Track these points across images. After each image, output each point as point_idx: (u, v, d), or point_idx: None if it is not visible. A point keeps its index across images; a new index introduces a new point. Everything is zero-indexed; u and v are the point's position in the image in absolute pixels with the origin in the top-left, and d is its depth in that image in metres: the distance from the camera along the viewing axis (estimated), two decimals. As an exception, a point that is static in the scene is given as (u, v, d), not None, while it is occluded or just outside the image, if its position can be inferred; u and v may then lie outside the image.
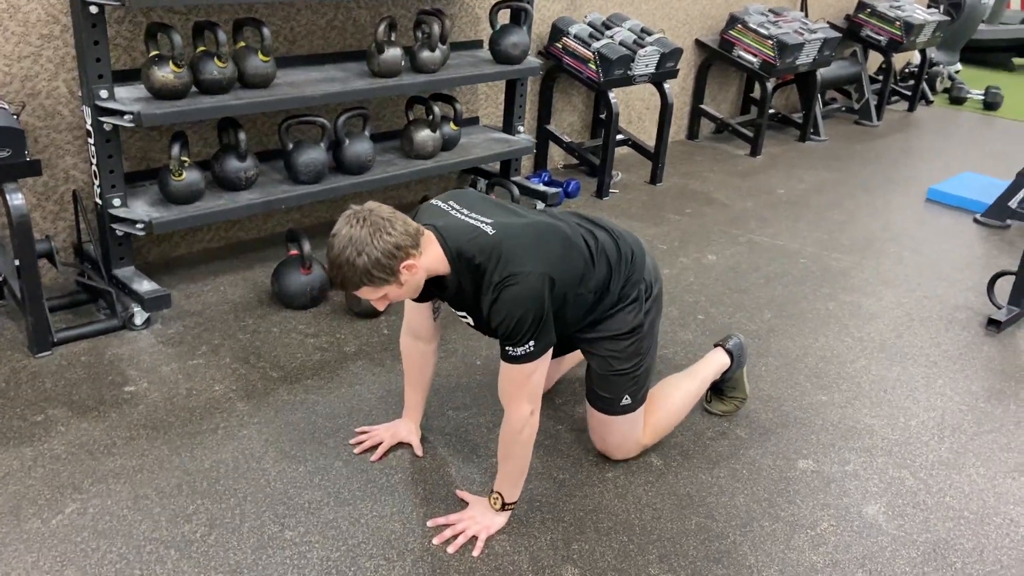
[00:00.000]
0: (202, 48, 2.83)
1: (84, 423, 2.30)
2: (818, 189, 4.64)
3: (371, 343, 2.79)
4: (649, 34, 4.31)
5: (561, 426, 2.41)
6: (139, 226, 2.73)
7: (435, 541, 1.95)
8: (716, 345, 2.47)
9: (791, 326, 3.08)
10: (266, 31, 2.86)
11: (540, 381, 1.91)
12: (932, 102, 6.97)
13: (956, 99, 7.03)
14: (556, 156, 4.66)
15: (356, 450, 2.23)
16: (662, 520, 2.07)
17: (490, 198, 2.06)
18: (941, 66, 7.28)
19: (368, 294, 1.83)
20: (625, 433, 2.20)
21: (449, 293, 1.94)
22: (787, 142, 5.52)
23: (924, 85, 6.82)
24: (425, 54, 3.34)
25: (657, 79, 4.32)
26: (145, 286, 2.77)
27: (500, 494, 1.99)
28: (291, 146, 3.09)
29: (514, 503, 2.01)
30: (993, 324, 3.15)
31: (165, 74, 2.67)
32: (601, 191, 4.26)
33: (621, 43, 4.14)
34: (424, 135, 3.43)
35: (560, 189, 4.05)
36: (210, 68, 2.78)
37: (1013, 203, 4.16)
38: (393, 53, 3.22)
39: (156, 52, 2.71)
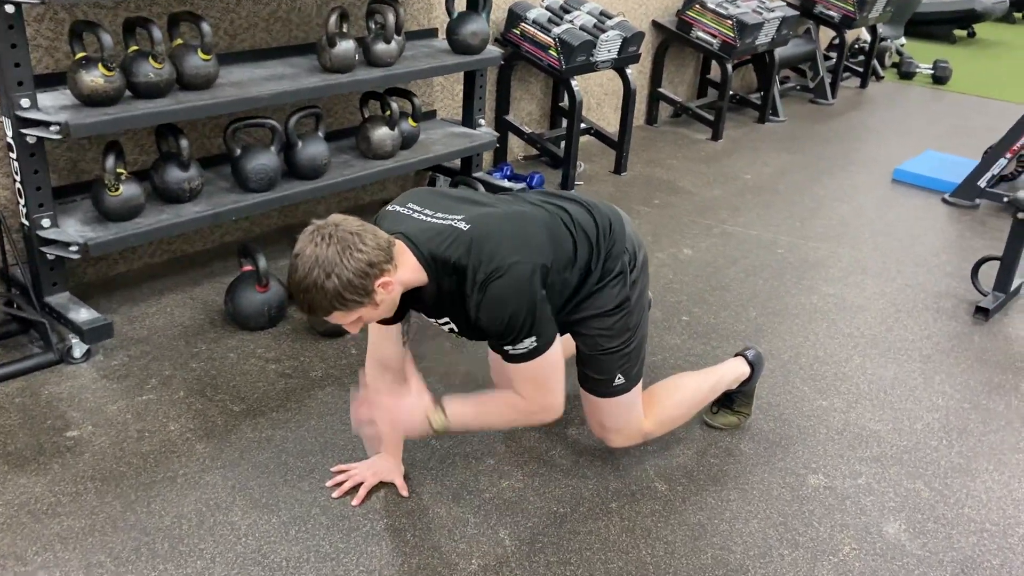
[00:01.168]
0: (134, 48, 2.54)
1: (22, 478, 2.04)
2: (783, 173, 4.54)
3: (339, 366, 2.57)
4: (609, 17, 4.12)
5: (555, 451, 2.23)
6: (73, 249, 2.45)
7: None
8: (737, 355, 2.32)
9: (778, 324, 2.95)
10: (205, 26, 2.59)
11: (560, 374, 1.76)
12: (883, 78, 6.95)
13: (906, 74, 7.03)
14: (515, 148, 4.45)
15: (335, 493, 2.01)
16: (676, 556, 1.91)
17: (448, 191, 1.90)
18: (889, 41, 7.26)
19: (340, 319, 1.63)
20: (623, 416, 2.03)
21: (428, 302, 1.75)
22: (746, 124, 5.41)
23: (875, 61, 6.79)
24: (380, 46, 3.10)
25: (619, 64, 4.14)
26: (83, 315, 2.50)
27: (443, 409, 1.77)
28: (239, 152, 2.83)
29: (448, 430, 1.79)
30: (981, 312, 3.07)
31: (94, 78, 2.39)
32: (566, 183, 4.07)
33: (582, 28, 3.94)
34: (382, 133, 3.20)
35: (525, 184, 3.86)
36: (145, 70, 2.50)
37: (982, 182, 4.11)
38: (346, 46, 2.97)
39: (83, 54, 2.42)
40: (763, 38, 4.99)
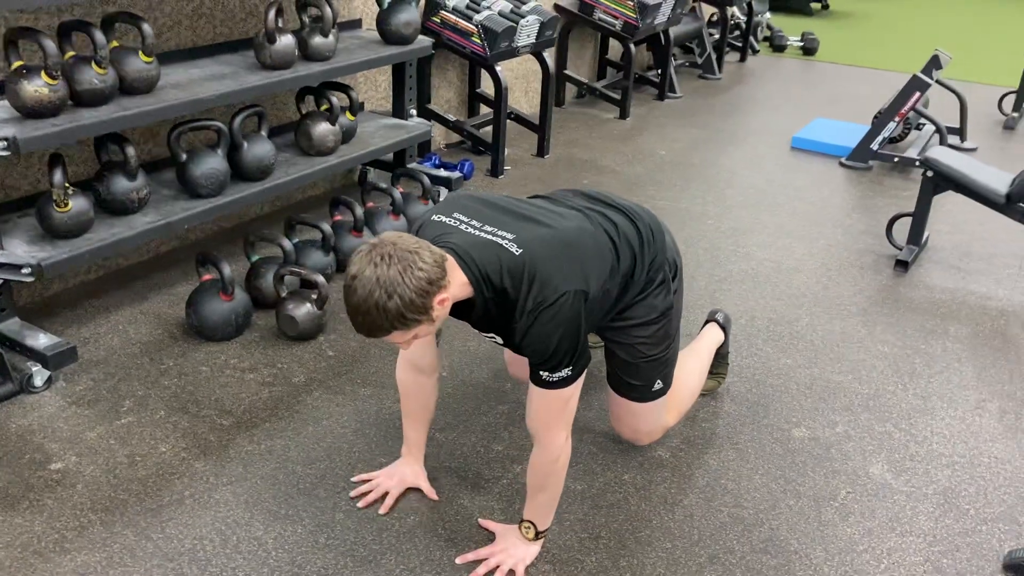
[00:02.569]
0: (71, 53, 2.39)
1: (16, 518, 1.91)
2: (694, 147, 4.74)
3: (319, 369, 2.52)
4: (523, 2, 4.17)
5: (557, 432, 2.29)
6: (25, 271, 2.29)
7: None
8: (707, 321, 2.44)
9: (728, 290, 3.11)
10: (146, 27, 2.46)
11: (575, 405, 1.78)
12: (758, 51, 7.34)
13: (778, 47, 7.44)
14: (437, 136, 4.44)
15: (361, 504, 1.99)
16: (695, 518, 2.01)
17: (489, 198, 1.86)
18: (760, 16, 7.66)
19: (397, 338, 1.60)
20: (656, 418, 2.11)
21: (475, 317, 1.75)
22: (647, 101, 5.60)
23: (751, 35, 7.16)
24: (318, 40, 3.03)
25: (537, 49, 4.20)
26: (42, 340, 2.34)
27: (532, 523, 1.85)
28: (184, 157, 2.71)
29: (547, 530, 1.88)
30: (901, 265, 3.35)
31: (38, 88, 2.23)
32: (496, 169, 4.11)
33: (500, 14, 3.97)
34: (323, 129, 3.13)
35: (460, 173, 3.87)
36: (88, 76, 2.35)
37: (874, 146, 4.45)
38: (286, 42, 2.89)
39: (19, 63, 2.26)
40: (660, 17, 5.18)
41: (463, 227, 1.74)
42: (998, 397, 2.54)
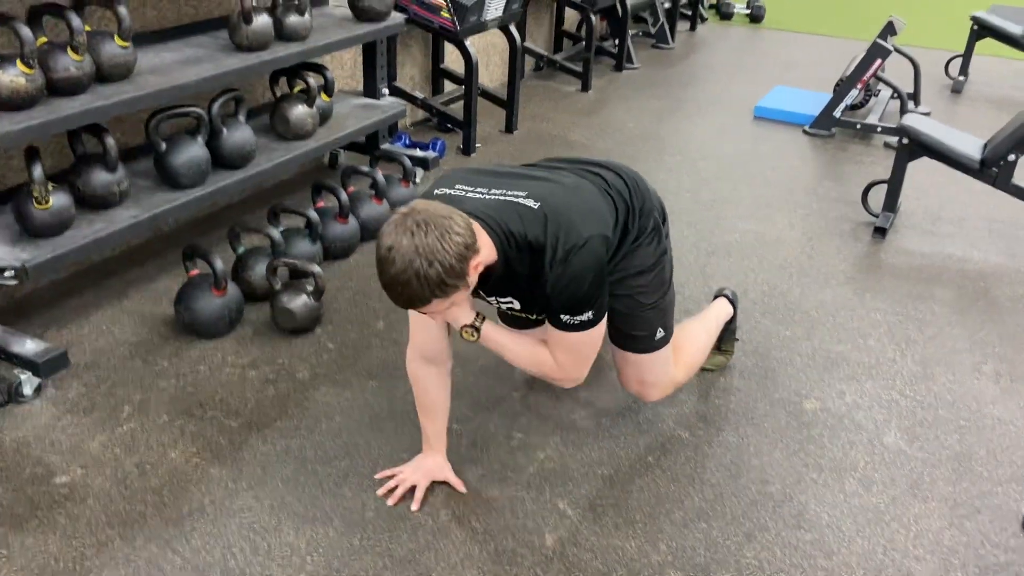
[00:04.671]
0: (43, 39, 2.23)
1: (28, 538, 1.80)
2: (659, 118, 4.74)
3: (322, 363, 2.45)
4: (488, -25, 4.08)
5: (575, 415, 2.27)
6: (8, 275, 2.15)
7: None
8: (716, 296, 2.45)
9: (717, 264, 3.13)
10: (122, 9, 2.32)
11: (597, 347, 1.81)
12: (706, 20, 7.37)
13: (725, 15, 7.48)
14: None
15: (390, 501, 1.94)
16: (726, 497, 2.02)
17: (485, 169, 1.88)
18: (705, -17, 7.68)
19: (436, 307, 1.59)
20: (662, 369, 2.11)
21: (493, 282, 1.73)
22: (605, 73, 5.57)
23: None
24: (294, 19, 2.90)
25: (505, 23, 4.13)
26: (30, 346, 2.21)
27: (479, 320, 1.79)
28: (164, 146, 2.58)
29: (475, 339, 1.81)
30: (879, 232, 3.42)
31: (13, 77, 2.08)
32: (468, 147, 4.04)
33: (468, -13, 3.88)
34: (301, 112, 3.02)
35: (437, 152, 3.79)
36: (64, 63, 2.20)
37: (837, 113, 4.52)
38: (262, 22, 2.76)
39: (-10, 49, 2.10)
40: (620, -12, 5.14)
41: (471, 194, 1.74)
42: (992, 359, 2.62)
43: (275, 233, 2.67)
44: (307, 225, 2.86)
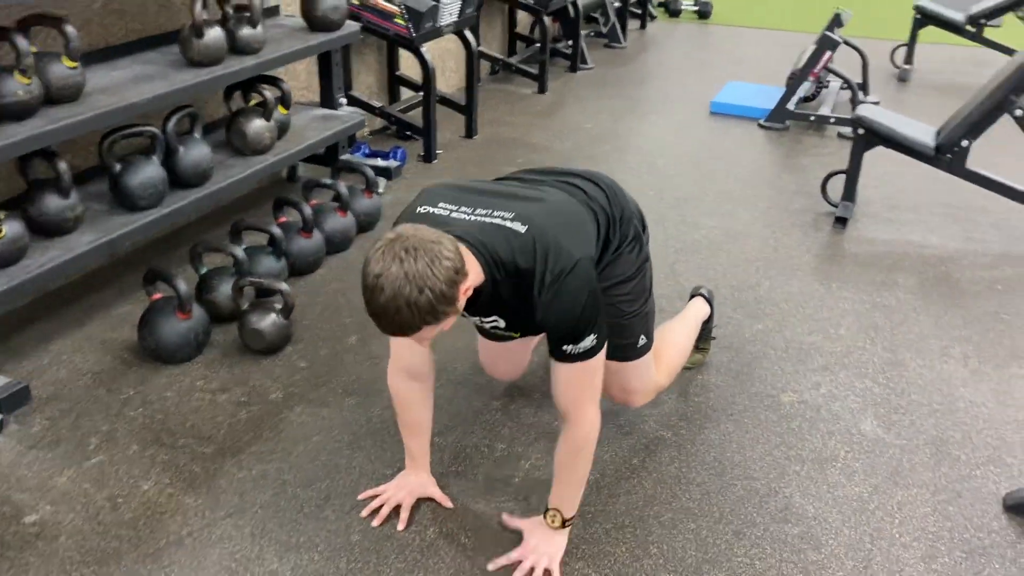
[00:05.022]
0: (-13, 61, 2.15)
1: (-3, 586, 1.73)
2: (617, 118, 4.75)
3: (295, 383, 2.39)
4: (440, -20, 4.05)
5: (557, 423, 2.24)
6: (-39, 308, 2.06)
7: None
8: (693, 295, 2.45)
9: (686, 261, 3.14)
10: (70, 28, 2.24)
11: (602, 376, 1.75)
12: (655, 17, 7.42)
13: (673, 12, 7.54)
14: (359, 123, 4.28)
15: (375, 522, 1.90)
16: (712, 495, 2.02)
17: (466, 184, 1.83)
18: (652, -18, 7.74)
19: (426, 334, 1.54)
20: (646, 375, 2.09)
21: (480, 304, 1.69)
22: (560, 74, 5.57)
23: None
24: (246, 31, 2.84)
25: (460, 27, 4.10)
26: (-11, 383, 2.13)
27: (559, 511, 1.81)
28: (119, 167, 2.50)
29: (573, 518, 1.84)
30: (840, 222, 3.47)
31: (-42, 104, 2.00)
32: (429, 155, 4.00)
33: (420, -7, 3.84)
34: (258, 126, 2.96)
35: (399, 161, 3.74)
36: (12, 88, 2.12)
37: (791, 106, 4.57)
38: (215, 35, 2.70)
39: (-69, 75, 2.01)
40: (571, -11, 5.14)
41: (455, 215, 1.69)
42: (958, 342, 2.66)
43: (238, 251, 2.61)
44: (271, 242, 2.80)
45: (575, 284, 1.62)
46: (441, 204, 1.72)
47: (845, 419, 2.30)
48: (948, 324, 2.76)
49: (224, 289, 2.59)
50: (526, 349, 2.29)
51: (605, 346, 1.72)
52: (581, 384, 1.72)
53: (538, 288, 1.62)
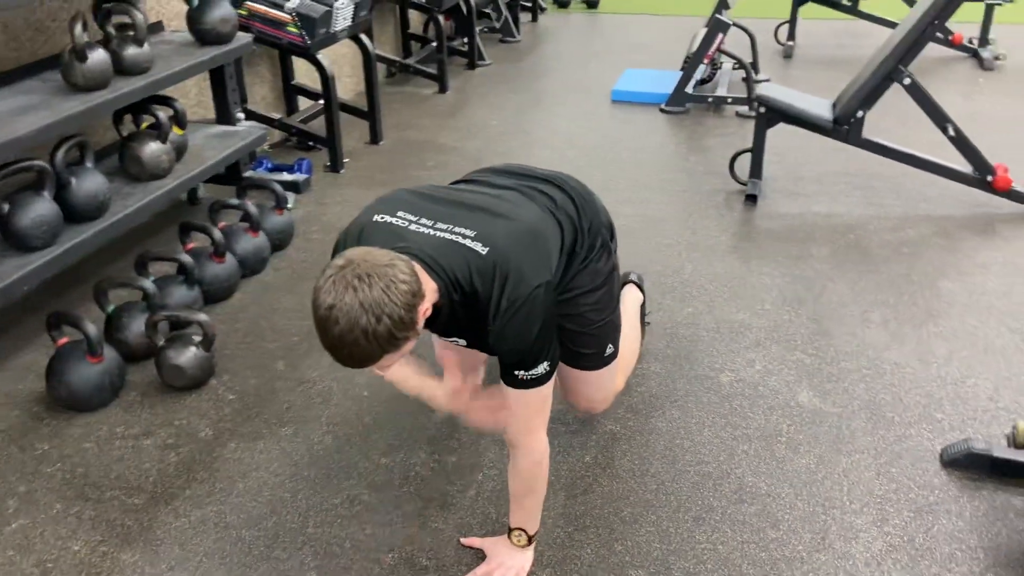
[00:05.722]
0: None
1: None
2: (521, 113, 4.73)
3: (225, 417, 2.27)
4: (329, -16, 3.93)
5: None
6: None
7: None
8: (625, 283, 2.43)
9: (608, 252, 3.15)
10: (-64, 61, 2.05)
11: (551, 400, 1.71)
12: (545, 9, 7.45)
13: (562, 3, 7.59)
14: (258, 137, 4.12)
15: None
16: (667, 484, 2.02)
17: (427, 191, 1.75)
18: (538, -27, 7.76)
19: (386, 362, 1.46)
20: (609, 382, 2.07)
21: (439, 324, 1.63)
22: (459, 72, 5.51)
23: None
24: (132, 51, 2.68)
25: (354, 32, 3.99)
26: None
27: (523, 530, 1.78)
28: (6, 207, 2.31)
29: (537, 533, 1.81)
30: (751, 199, 3.54)
31: None
32: (336, 164, 3.88)
33: (311, -1, 3.72)
34: (154, 149, 2.79)
35: (306, 174, 3.62)
36: None
37: (689, 89, 4.65)
38: (100, 58, 2.53)
39: None
40: (462, -14, 5.09)
41: (414, 227, 1.62)
42: (876, 307, 2.75)
43: (148, 284, 2.46)
44: (180, 270, 2.66)
45: (529, 313, 1.57)
46: (400, 213, 1.64)
47: (783, 393, 2.34)
48: (864, 290, 2.86)
49: (135, 326, 2.44)
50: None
51: (552, 377, 1.67)
52: (531, 409, 1.67)
53: (492, 314, 1.57)
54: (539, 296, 1.59)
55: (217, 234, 2.75)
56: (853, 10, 5.77)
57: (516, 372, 1.62)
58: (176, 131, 2.95)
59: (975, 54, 5.54)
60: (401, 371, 1.78)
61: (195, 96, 3.63)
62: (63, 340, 2.31)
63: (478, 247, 1.57)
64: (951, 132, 3.35)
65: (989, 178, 3.37)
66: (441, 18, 4.97)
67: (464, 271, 1.55)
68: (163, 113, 2.81)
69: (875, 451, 2.12)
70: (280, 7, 3.59)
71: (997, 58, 5.42)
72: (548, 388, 1.67)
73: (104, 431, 2.22)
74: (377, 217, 1.64)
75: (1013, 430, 2.04)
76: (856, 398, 2.32)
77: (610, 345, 2.00)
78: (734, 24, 4.80)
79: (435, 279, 1.53)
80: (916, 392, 2.34)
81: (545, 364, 1.63)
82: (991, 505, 1.95)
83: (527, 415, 1.68)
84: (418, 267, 1.50)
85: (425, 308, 1.47)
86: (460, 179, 1.94)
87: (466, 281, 1.55)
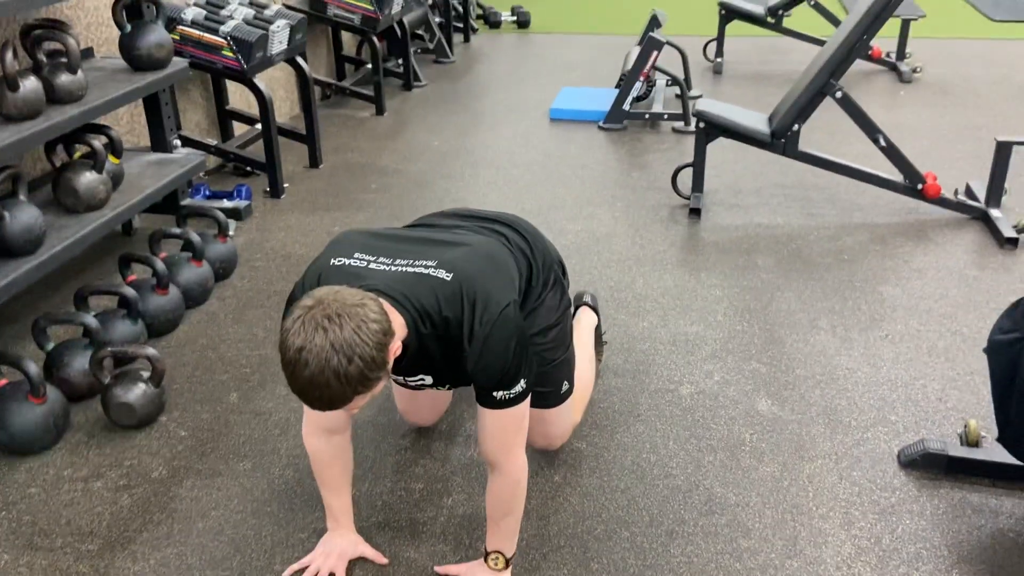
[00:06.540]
0: None
1: None
2: (462, 133, 4.73)
3: (179, 454, 2.19)
4: (264, 7, 3.87)
5: (471, 451, 2.18)
6: None
7: None
8: (578, 307, 2.44)
9: (559, 269, 3.16)
10: None
11: (528, 418, 1.70)
12: (477, 30, 7.48)
13: (493, 24, 7.62)
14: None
15: None
16: (638, 499, 2.02)
17: (382, 232, 1.76)
18: (468, -6, 7.80)
19: (357, 403, 1.42)
20: (566, 419, 2.07)
21: (407, 362, 1.60)
22: (396, 93, 5.48)
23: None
24: (65, 78, 2.58)
25: (291, 55, 3.93)
26: None
27: (500, 552, 1.76)
28: (-65, 243, 2.20)
29: (514, 555, 1.79)
30: (694, 213, 3.60)
31: None
32: (276, 189, 3.81)
33: (246, 22, 3.65)
34: (90, 179, 2.69)
35: (246, 200, 3.54)
36: None
37: (626, 106, 4.72)
38: (31, 86, 2.43)
39: None
40: (396, 7, 5.07)
41: (373, 265, 1.60)
42: (823, 314, 2.83)
43: (89, 320, 2.36)
44: (122, 304, 2.56)
45: (504, 332, 1.56)
46: (357, 255, 1.62)
47: (742, 402, 2.37)
48: (810, 297, 2.93)
49: (78, 363, 2.34)
50: (449, 393, 2.20)
51: (529, 394, 1.67)
52: (509, 431, 1.66)
53: (467, 339, 1.55)
54: (510, 314, 1.58)
55: (160, 265, 2.66)
56: (777, 27, 5.95)
57: (495, 393, 1.61)
58: (112, 160, 2.85)
59: (893, 67, 5.78)
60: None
61: (127, 123, 3.52)
62: (2, 381, 2.20)
63: (442, 274, 1.57)
64: (882, 143, 3.47)
65: (920, 186, 3.50)
66: (376, 40, 4.94)
67: (431, 301, 1.54)
68: (98, 142, 2.71)
69: (836, 456, 2.17)
70: (215, 31, 3.51)
71: (915, 71, 5.66)
72: (526, 406, 1.66)
73: (50, 475, 2.11)
74: (334, 261, 1.62)
75: (965, 429, 2.11)
76: (813, 404, 2.37)
77: (566, 382, 2.00)
78: (667, 43, 4.91)
79: (403, 313, 1.51)
80: (869, 396, 2.40)
81: (523, 382, 1.62)
82: (950, 503, 2.01)
83: (506, 435, 1.66)
84: (386, 304, 1.48)
85: (395, 347, 1.45)
86: (409, 224, 1.94)
87: (435, 310, 1.54)
